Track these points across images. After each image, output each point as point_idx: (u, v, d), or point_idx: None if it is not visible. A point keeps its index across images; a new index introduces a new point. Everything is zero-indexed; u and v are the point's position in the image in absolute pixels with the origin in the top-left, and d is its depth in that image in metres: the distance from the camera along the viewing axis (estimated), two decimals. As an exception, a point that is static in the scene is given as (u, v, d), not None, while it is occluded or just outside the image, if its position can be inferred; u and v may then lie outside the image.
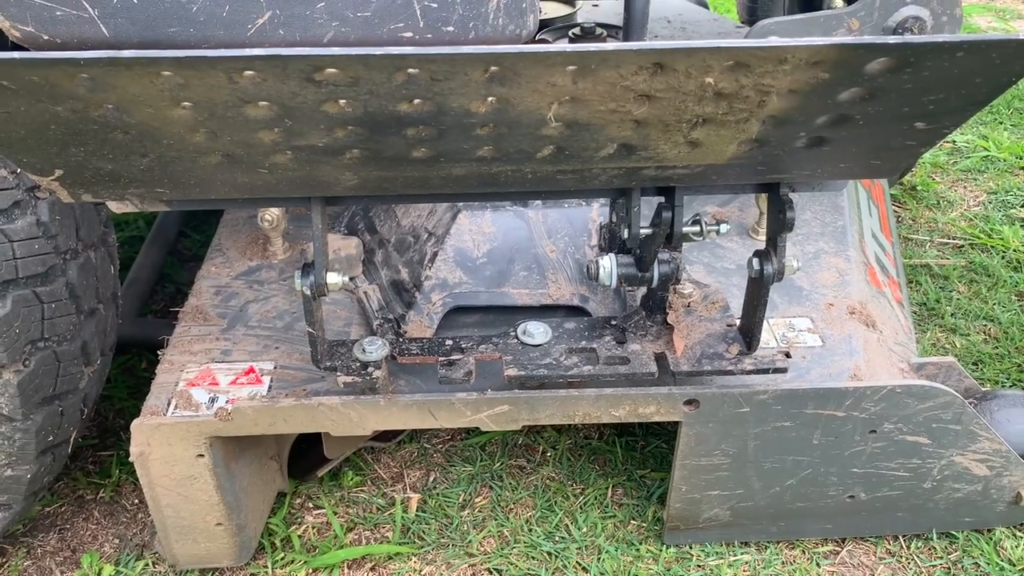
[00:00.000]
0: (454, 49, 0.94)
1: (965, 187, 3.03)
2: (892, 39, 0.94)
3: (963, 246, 2.69)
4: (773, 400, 1.53)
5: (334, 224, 1.98)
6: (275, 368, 1.62)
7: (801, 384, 1.55)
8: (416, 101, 1.03)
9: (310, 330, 1.46)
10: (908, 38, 0.94)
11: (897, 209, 2.90)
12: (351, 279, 1.79)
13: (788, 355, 1.56)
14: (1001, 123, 3.44)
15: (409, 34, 1.38)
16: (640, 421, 1.55)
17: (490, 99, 1.03)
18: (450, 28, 1.39)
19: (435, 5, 1.30)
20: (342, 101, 1.02)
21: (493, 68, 0.97)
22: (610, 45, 0.94)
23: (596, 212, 1.78)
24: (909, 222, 2.84)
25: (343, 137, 1.11)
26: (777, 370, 1.50)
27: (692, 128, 1.13)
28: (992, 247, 2.67)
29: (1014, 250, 2.63)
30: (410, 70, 0.96)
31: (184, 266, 2.63)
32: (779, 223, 1.42)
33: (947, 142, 3.29)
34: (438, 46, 0.96)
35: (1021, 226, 2.76)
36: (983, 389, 1.82)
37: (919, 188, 2.99)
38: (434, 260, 1.74)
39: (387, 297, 1.76)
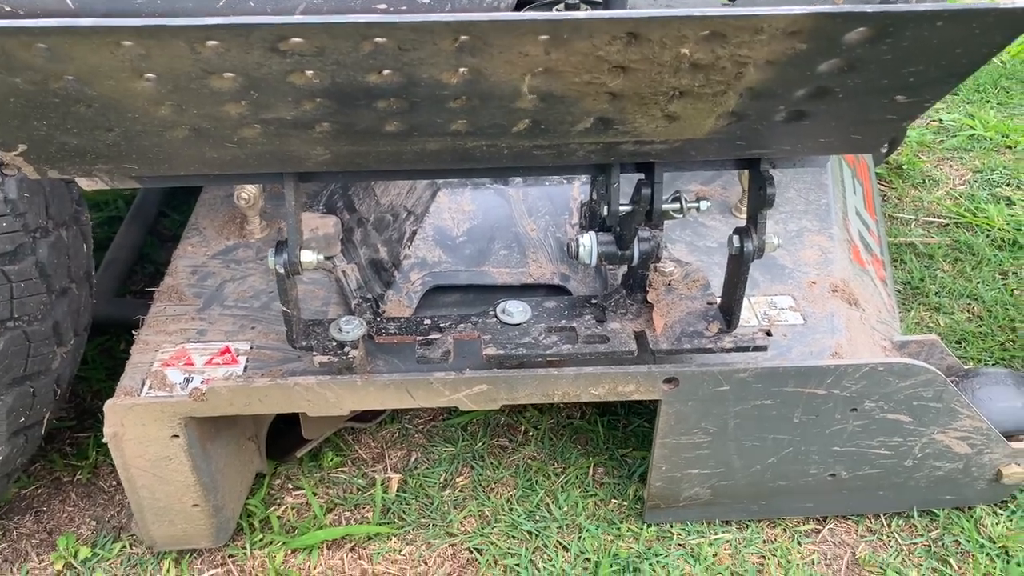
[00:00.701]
0: (421, 17, 0.91)
1: (951, 166, 3.02)
2: (870, 7, 0.92)
3: (948, 225, 2.69)
4: (753, 378, 1.52)
5: (313, 203, 1.95)
6: (251, 348, 1.60)
7: (781, 362, 1.54)
8: (385, 72, 1.00)
9: (285, 309, 1.43)
10: (887, 6, 0.92)
11: (883, 188, 2.89)
12: (329, 258, 1.78)
13: (769, 333, 1.55)
14: (987, 101, 3.42)
15: (383, 6, 1.35)
16: (620, 400, 1.53)
17: (461, 70, 1.01)
18: (425, 1, 1.37)
19: (408, -24, 1.27)
20: (309, 72, 1.00)
21: (463, 37, 0.95)
22: (582, 13, 0.92)
23: (577, 190, 1.76)
24: (895, 201, 2.83)
25: (312, 110, 1.08)
26: (757, 348, 1.49)
27: (669, 101, 1.11)
28: (977, 226, 2.66)
29: (999, 229, 2.63)
30: (377, 39, 0.94)
31: (164, 246, 2.60)
32: (759, 200, 1.40)
33: (933, 121, 3.28)
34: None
35: (1006, 204, 2.75)
36: (965, 367, 1.82)
37: (905, 167, 2.98)
38: (413, 239, 1.71)
39: (366, 276, 1.74)
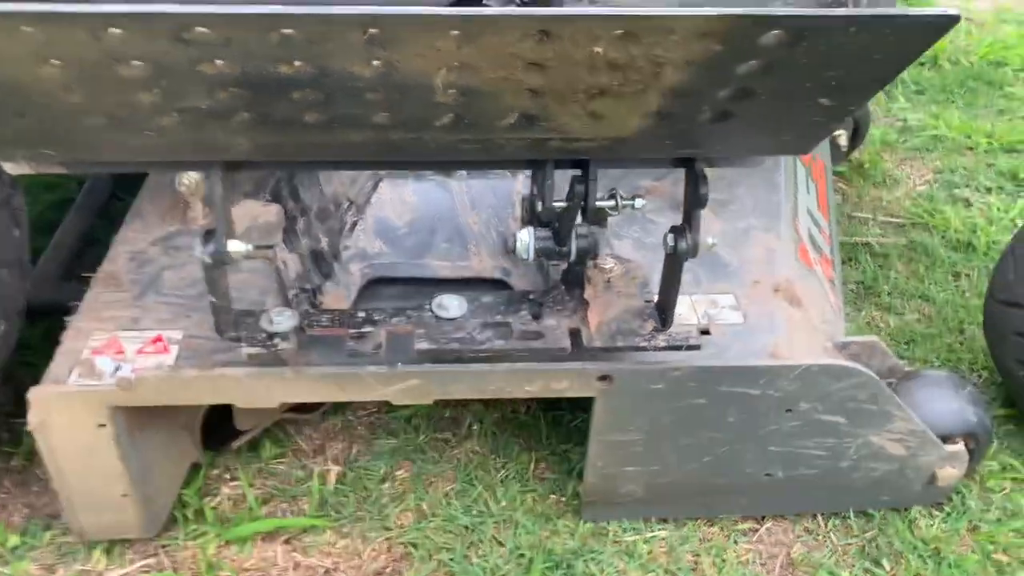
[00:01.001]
0: (327, 9, 0.90)
1: (912, 166, 3.03)
2: (781, 11, 0.92)
3: (904, 225, 2.69)
4: (687, 377, 1.52)
5: (259, 191, 1.93)
6: (184, 337, 1.57)
7: (716, 361, 1.54)
8: (297, 63, 0.99)
9: (212, 299, 1.42)
10: (797, 11, 0.92)
11: (843, 187, 2.89)
12: (269, 247, 1.75)
13: (706, 332, 1.55)
14: (953, 102, 3.43)
15: (315, -6, 1.33)
16: (554, 396, 1.53)
17: (374, 62, 0.99)
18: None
19: (338, -36, 1.25)
20: (219, 61, 0.98)
21: (372, 30, 0.93)
22: (492, 10, 0.91)
23: (520, 183, 1.75)
24: (855, 200, 2.84)
25: (226, 99, 1.06)
26: (690, 347, 1.49)
27: (590, 99, 1.10)
28: (933, 227, 2.67)
29: (954, 230, 2.64)
30: (284, 30, 0.92)
31: (115, 230, 2.56)
32: (695, 199, 1.40)
33: (898, 120, 3.29)
34: (314, 5, 0.92)
35: (963, 206, 2.77)
36: (906, 368, 1.82)
37: (866, 166, 2.98)
38: (353, 229, 1.70)
39: (307, 266, 1.73)
